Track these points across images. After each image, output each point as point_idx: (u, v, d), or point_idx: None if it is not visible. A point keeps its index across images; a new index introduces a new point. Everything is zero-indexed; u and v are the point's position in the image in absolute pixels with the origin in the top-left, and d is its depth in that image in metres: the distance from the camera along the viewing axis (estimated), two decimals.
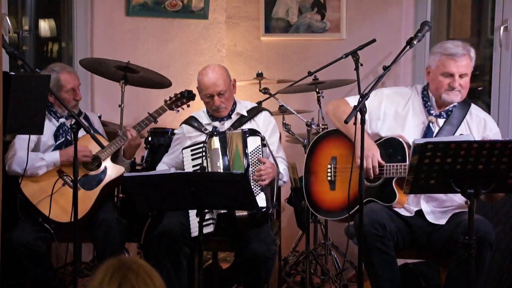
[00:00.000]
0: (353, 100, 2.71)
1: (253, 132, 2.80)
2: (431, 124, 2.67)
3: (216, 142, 2.79)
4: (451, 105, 2.66)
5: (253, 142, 2.76)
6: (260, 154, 2.76)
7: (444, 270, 2.63)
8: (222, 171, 2.73)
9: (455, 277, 2.46)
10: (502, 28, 3.32)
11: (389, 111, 2.72)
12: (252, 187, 2.67)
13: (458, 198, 2.59)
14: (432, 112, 2.68)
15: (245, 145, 2.74)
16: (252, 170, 2.73)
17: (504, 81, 3.36)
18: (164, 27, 4.04)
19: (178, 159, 2.91)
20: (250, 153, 2.75)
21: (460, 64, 2.57)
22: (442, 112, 2.68)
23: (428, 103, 2.69)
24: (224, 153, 2.78)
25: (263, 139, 2.79)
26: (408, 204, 2.63)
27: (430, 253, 2.67)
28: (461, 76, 2.58)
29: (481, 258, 2.41)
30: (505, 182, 2.16)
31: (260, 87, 3.55)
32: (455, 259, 2.46)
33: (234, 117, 2.96)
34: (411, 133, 2.66)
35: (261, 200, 2.68)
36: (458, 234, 2.37)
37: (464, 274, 2.34)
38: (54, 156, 2.88)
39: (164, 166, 2.97)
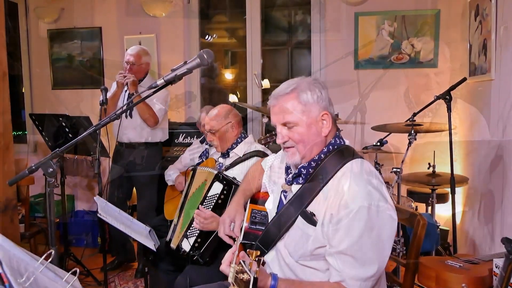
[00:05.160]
0: None
1: (223, 179, 2.60)
2: (283, 195, 1.91)
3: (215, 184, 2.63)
4: (301, 166, 1.82)
5: (216, 188, 2.59)
6: (213, 202, 2.54)
7: None
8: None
9: None
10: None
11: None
12: (190, 230, 2.59)
13: None
14: (289, 172, 1.89)
15: (209, 188, 2.60)
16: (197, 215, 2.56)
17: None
18: None
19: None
20: (208, 197, 2.59)
21: (274, 111, 1.81)
22: (295, 176, 1.85)
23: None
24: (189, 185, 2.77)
25: (225, 189, 2.57)
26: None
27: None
28: (285, 125, 1.79)
29: None
30: None
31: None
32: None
33: (232, 155, 2.96)
34: (270, 205, 1.99)
35: (186, 244, 2.55)
36: None
37: None
38: (175, 176, 3.44)
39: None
